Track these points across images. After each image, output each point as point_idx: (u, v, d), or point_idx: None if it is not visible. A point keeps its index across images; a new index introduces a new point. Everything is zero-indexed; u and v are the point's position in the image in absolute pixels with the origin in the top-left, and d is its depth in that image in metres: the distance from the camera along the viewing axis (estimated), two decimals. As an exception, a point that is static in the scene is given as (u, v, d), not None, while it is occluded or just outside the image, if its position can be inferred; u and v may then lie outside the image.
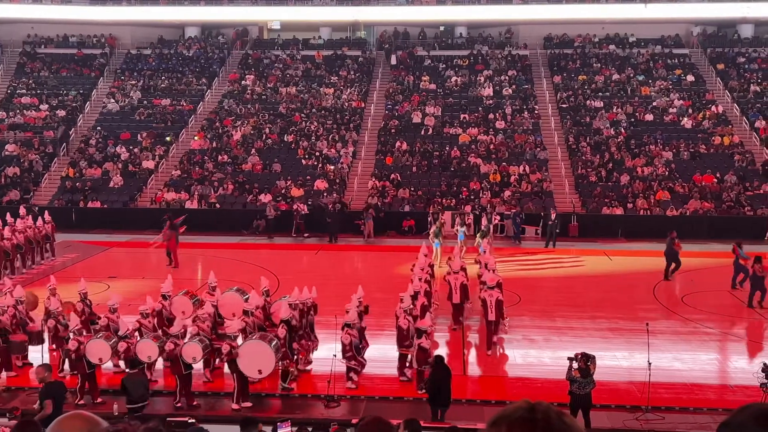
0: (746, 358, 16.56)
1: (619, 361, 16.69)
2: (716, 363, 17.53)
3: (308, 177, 35.46)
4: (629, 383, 15.12)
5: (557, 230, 29.82)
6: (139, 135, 39.03)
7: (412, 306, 15.99)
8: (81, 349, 14.44)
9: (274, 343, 14.60)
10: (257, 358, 14.27)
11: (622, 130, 37.92)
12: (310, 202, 32.76)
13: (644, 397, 13.98)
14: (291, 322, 15.36)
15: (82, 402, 14.00)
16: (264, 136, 38.68)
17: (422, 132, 38.64)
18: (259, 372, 14.34)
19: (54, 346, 16.30)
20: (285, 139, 38.43)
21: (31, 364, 15.88)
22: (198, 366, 14.76)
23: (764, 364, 13.39)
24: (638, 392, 14.34)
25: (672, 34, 45.16)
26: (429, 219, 30.36)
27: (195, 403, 14.24)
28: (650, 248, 29.12)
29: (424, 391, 14.03)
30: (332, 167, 35.86)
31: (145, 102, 42.22)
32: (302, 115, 40.25)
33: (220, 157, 37.09)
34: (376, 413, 11.94)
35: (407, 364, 15.57)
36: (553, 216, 29.92)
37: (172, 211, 32.99)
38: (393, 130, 38.71)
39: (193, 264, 26.86)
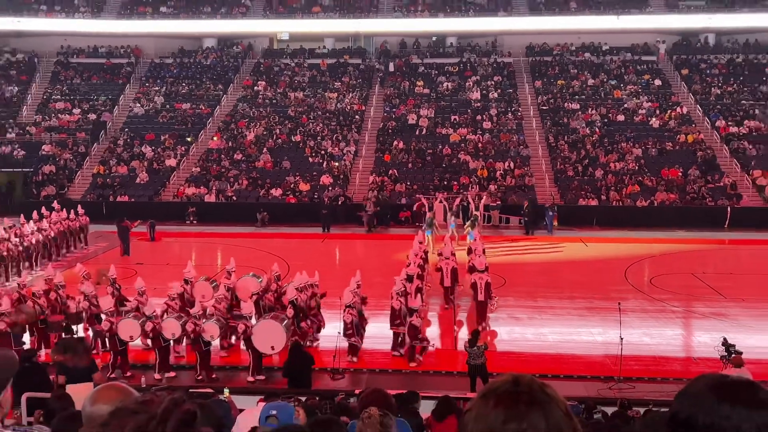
0: (708, 333, 16.57)
1: (594, 336, 16.71)
2: (681, 338, 17.57)
3: (314, 173, 35.43)
4: (604, 356, 15.14)
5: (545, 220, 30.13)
6: (162, 136, 38.98)
7: (403, 288, 15.93)
8: (113, 329, 14.44)
9: (285, 322, 14.61)
10: (270, 336, 14.28)
11: (597, 130, 37.88)
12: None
13: (617, 369, 14.00)
14: (297, 303, 15.36)
15: (113, 375, 14.00)
16: (275, 136, 38.63)
17: (417, 132, 38.59)
18: (272, 348, 14.35)
19: (88, 326, 16.29)
20: (293, 139, 38.37)
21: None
22: (216, 343, 14.79)
23: (724, 338, 13.40)
24: (611, 364, 14.36)
25: (641, 43, 45.07)
26: (424, 209, 30.25)
27: (214, 376, 14.25)
28: (622, 235, 29.19)
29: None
30: (336, 164, 35.83)
31: (168, 106, 42.13)
32: (309, 117, 40.20)
33: (235, 156, 37.04)
34: (376, 384, 11.96)
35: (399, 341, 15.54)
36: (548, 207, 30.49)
37: (192, 204, 33.11)
38: (390, 131, 38.66)
39: (213, 252, 26.85)
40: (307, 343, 15.50)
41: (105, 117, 40.89)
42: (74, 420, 3.43)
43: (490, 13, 45.82)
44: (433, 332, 16.91)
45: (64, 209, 27.01)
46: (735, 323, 17.59)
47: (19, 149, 37.92)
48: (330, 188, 33.76)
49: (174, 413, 1.61)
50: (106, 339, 14.94)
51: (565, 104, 40.33)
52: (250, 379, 14.11)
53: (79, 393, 6.55)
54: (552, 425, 1.61)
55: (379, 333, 15.97)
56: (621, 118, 39.09)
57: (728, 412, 1.71)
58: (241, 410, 6.94)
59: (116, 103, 42.34)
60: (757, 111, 38.49)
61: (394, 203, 32.75)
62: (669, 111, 39.18)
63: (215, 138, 38.75)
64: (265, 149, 37.36)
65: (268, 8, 47.94)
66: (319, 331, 16.35)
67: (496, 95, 41.50)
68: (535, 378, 1.71)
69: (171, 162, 36.94)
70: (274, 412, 3.82)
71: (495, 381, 1.73)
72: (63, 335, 14.27)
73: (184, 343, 15.34)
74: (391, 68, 44.52)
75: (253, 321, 14.75)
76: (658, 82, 42.06)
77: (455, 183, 33.72)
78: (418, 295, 16.34)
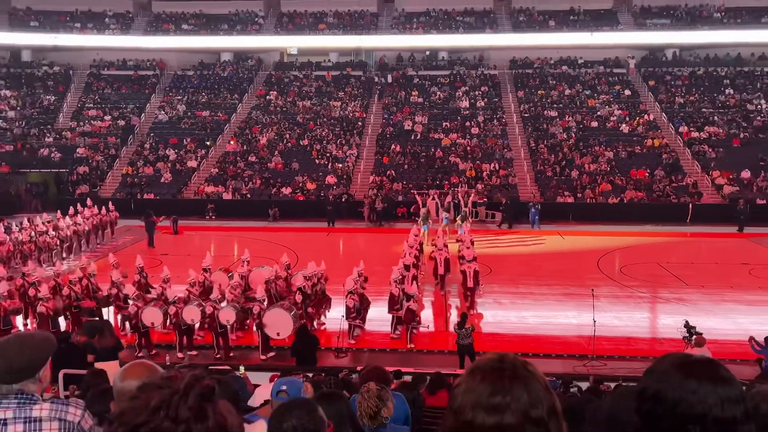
0: (671, 316, 16.60)
1: (570, 319, 16.74)
2: (647, 320, 17.60)
3: (320, 173, 35.40)
4: (578, 337, 15.18)
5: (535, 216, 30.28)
6: (184, 140, 38.93)
7: (400, 276, 15.94)
8: (138, 314, 14.44)
9: (293, 312, 14.61)
10: (278, 323, 14.31)
11: (573, 135, 37.86)
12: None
13: (590, 348, 14.03)
14: (305, 290, 15.36)
15: (141, 354, 14.01)
16: (285, 140, 38.58)
17: (412, 137, 38.55)
18: (278, 334, 14.38)
19: (117, 309, 16.29)
20: (301, 143, 38.33)
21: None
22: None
23: (686, 321, 13.42)
24: (585, 344, 14.39)
25: (613, 57, 45.01)
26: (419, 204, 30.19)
27: (231, 354, 14.27)
28: (595, 229, 29.21)
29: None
30: (340, 165, 35.80)
31: (189, 113, 42.06)
32: (315, 123, 40.15)
33: (249, 158, 36.99)
34: (375, 362, 11.98)
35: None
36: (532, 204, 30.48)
37: (211, 201, 33.10)
38: (388, 136, 38.62)
39: (230, 244, 26.84)
40: (314, 326, 15.53)
41: (134, 121, 40.85)
42: (106, 394, 3.45)
43: (477, 31, 45.71)
44: (427, 315, 16.93)
45: (96, 206, 27.00)
46: (695, 307, 17.62)
47: (55, 152, 37.89)
48: (334, 187, 33.74)
49: (195, 388, 1.62)
50: (132, 322, 14.94)
51: (545, 112, 40.30)
52: (263, 357, 14.13)
53: (107, 370, 6.55)
54: (533, 398, 1.62)
55: (379, 316, 16.00)
56: (594, 124, 39.07)
57: (695, 387, 1.71)
58: (256, 385, 6.95)
59: (143, 111, 42.26)
60: (716, 118, 38.49)
61: (395, 200, 32.73)
62: (637, 118, 39.17)
63: (232, 142, 38.70)
64: (276, 152, 37.31)
65: (278, 26, 47.82)
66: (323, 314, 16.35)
67: (482, 104, 41.45)
68: (518, 356, 1.71)
69: (192, 163, 36.90)
70: (284, 387, 3.82)
71: (482, 359, 1.73)
72: (88, 318, 14.27)
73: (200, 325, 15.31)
74: (389, 80, 44.45)
75: (265, 304, 14.75)
76: (627, 92, 42.02)
77: (446, 182, 33.69)
78: (414, 282, 16.34)
